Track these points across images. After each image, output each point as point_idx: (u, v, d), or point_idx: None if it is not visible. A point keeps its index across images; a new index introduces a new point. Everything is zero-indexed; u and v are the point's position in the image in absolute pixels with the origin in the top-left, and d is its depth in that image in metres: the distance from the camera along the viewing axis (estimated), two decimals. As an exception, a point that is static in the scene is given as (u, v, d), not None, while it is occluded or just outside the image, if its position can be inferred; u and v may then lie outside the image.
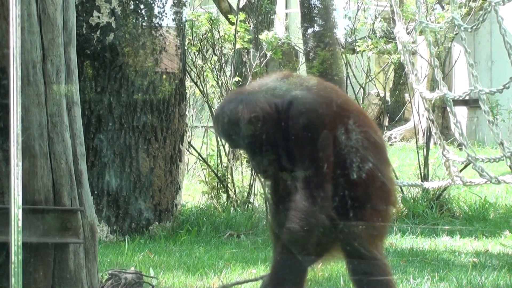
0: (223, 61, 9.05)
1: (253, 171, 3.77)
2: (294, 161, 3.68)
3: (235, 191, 8.16)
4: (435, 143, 7.48)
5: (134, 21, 6.93)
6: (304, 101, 3.67)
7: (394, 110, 15.85)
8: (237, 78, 9.15)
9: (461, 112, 14.57)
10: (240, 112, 3.64)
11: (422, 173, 8.54)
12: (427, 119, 6.89)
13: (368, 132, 3.78)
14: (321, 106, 3.69)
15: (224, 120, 3.69)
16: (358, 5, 9.73)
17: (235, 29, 8.55)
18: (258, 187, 8.24)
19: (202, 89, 8.79)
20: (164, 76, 7.08)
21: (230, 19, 8.98)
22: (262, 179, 3.95)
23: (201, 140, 10.47)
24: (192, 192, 9.05)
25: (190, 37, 8.61)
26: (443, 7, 10.39)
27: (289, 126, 3.64)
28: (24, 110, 3.35)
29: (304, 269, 3.80)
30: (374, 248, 3.82)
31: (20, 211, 3.14)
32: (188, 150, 8.89)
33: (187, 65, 8.11)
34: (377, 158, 3.76)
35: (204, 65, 8.94)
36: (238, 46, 8.68)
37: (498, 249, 6.68)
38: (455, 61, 10.90)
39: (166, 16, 7.12)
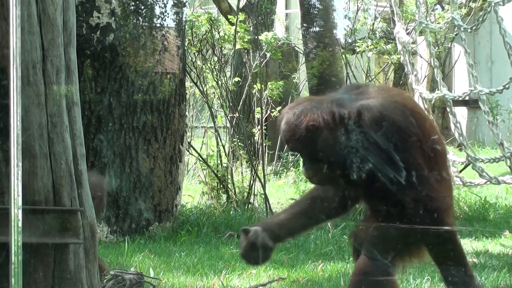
0: (223, 62, 9.05)
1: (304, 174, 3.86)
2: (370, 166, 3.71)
3: (235, 191, 8.16)
4: (435, 144, 7.46)
5: (134, 21, 6.93)
6: (379, 108, 3.71)
7: (394, 111, 15.80)
8: (237, 79, 9.15)
9: (461, 113, 14.56)
10: (300, 119, 3.75)
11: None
12: (427, 119, 6.87)
13: (436, 140, 3.83)
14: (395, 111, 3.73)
15: (285, 124, 3.81)
16: (358, 6, 9.74)
17: (235, 30, 8.55)
18: (258, 187, 8.25)
19: (202, 89, 8.80)
20: (164, 77, 7.08)
21: (230, 20, 8.98)
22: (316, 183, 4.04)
23: (201, 140, 10.47)
24: (192, 192, 9.05)
25: (190, 38, 8.62)
26: (443, 8, 10.39)
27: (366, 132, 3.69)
28: (24, 111, 3.35)
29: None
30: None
31: (20, 211, 3.14)
32: (188, 151, 8.89)
33: (187, 66, 8.11)
34: (441, 167, 3.82)
35: (204, 66, 8.95)
36: (238, 46, 8.68)
37: (498, 249, 6.67)
38: (455, 62, 10.92)
39: (166, 17, 7.12)
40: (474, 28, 5.73)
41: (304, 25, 8.62)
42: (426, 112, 4.05)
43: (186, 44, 8.00)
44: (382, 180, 3.70)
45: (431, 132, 3.86)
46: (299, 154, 3.95)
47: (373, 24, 9.67)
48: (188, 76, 8.57)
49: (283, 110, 3.96)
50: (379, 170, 3.70)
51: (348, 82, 9.38)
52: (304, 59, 9.78)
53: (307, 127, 3.73)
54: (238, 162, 8.71)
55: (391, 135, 3.67)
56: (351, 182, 3.86)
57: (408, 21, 8.54)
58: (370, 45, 9.11)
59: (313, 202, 4.06)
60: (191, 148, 8.98)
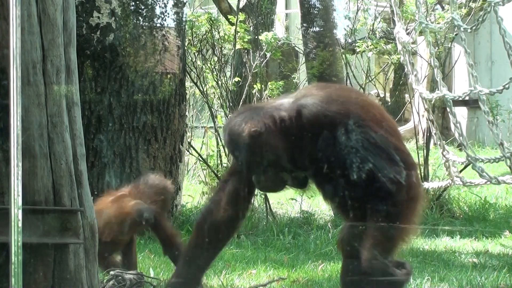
0: (223, 62, 9.05)
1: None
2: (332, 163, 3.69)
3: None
4: (435, 144, 7.48)
5: (134, 21, 6.93)
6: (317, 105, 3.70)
7: (394, 111, 15.82)
8: (237, 79, 9.15)
9: (461, 113, 14.57)
10: (242, 127, 3.71)
11: (422, 174, 8.54)
12: (427, 119, 6.89)
13: (386, 123, 3.80)
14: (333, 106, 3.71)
15: (228, 135, 3.81)
16: (358, 6, 9.73)
17: (235, 30, 8.55)
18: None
19: (202, 89, 8.80)
20: (164, 77, 7.08)
21: (230, 20, 8.98)
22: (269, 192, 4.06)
23: (201, 140, 10.47)
24: (192, 192, 9.05)
25: (190, 38, 8.61)
26: (443, 8, 10.39)
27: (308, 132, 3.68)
28: (24, 111, 3.35)
29: None
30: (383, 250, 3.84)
31: (20, 211, 3.14)
32: (188, 151, 8.89)
33: (187, 66, 8.11)
34: (397, 150, 3.78)
35: (204, 66, 8.94)
36: (238, 46, 8.68)
37: (498, 249, 6.68)
38: (455, 62, 10.90)
39: (166, 17, 7.12)
40: (474, 28, 5.72)
41: (304, 25, 8.62)
42: (373, 100, 4.02)
43: (186, 44, 8.00)
44: (336, 175, 3.68)
45: (380, 117, 3.82)
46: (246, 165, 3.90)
47: (373, 24, 9.66)
48: (188, 76, 8.57)
49: (225, 122, 3.97)
50: (330, 165, 3.68)
51: (348, 82, 9.38)
52: (304, 59, 9.78)
53: (249, 134, 3.71)
54: (238, 162, 8.69)
55: (334, 127, 3.65)
56: (302, 181, 3.85)
57: (408, 21, 8.54)
58: (370, 45, 9.10)
59: (202, 238, 4.08)
60: (191, 148, 8.97)
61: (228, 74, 9.08)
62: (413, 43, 6.66)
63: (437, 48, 8.48)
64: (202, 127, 10.98)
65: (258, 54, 8.84)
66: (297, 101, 3.75)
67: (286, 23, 15.52)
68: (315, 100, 3.71)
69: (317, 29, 8.60)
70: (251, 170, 3.83)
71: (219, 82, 8.79)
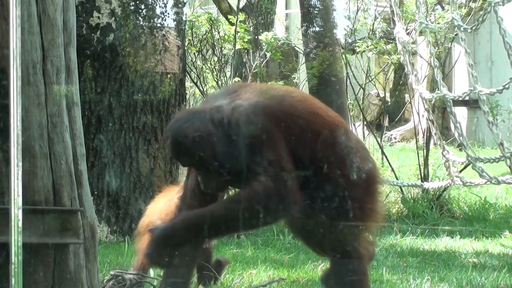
0: (223, 62, 9.06)
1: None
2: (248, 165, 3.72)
3: (234, 191, 8.15)
4: (435, 144, 7.49)
5: (134, 21, 6.93)
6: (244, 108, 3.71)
7: (394, 111, 15.85)
8: (236, 79, 9.16)
9: (461, 113, 14.58)
10: (184, 133, 3.72)
11: (422, 174, 8.54)
12: (427, 119, 6.89)
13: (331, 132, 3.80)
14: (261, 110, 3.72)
15: (170, 141, 3.81)
16: (358, 6, 9.74)
17: (235, 30, 8.55)
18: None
19: (202, 89, 8.80)
20: (164, 77, 7.08)
21: (230, 20, 8.98)
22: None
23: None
24: (192, 192, 9.03)
25: (190, 38, 8.62)
26: (443, 8, 10.40)
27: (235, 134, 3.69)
28: (24, 111, 3.35)
29: None
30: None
31: (20, 211, 3.13)
32: (188, 151, 8.88)
33: (187, 66, 8.11)
34: (337, 157, 3.78)
35: (204, 66, 8.95)
36: (238, 46, 8.69)
37: (498, 249, 6.68)
38: (455, 62, 10.91)
39: (166, 17, 7.12)
40: (474, 28, 5.73)
41: (304, 25, 8.63)
42: (314, 99, 4.01)
43: (186, 44, 8.01)
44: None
45: (322, 114, 3.84)
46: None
47: (373, 24, 9.68)
48: (188, 76, 8.57)
49: (166, 128, 3.96)
50: (266, 166, 3.69)
51: (348, 82, 9.38)
52: (304, 59, 9.78)
53: (192, 139, 3.70)
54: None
55: (269, 129, 3.67)
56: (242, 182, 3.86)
57: (408, 21, 8.55)
58: (370, 45, 9.12)
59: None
60: (191, 148, 8.96)
61: (228, 74, 9.09)
62: (413, 43, 6.67)
63: (437, 48, 8.48)
64: (202, 127, 10.96)
65: (258, 54, 8.85)
66: (231, 103, 3.75)
67: (286, 23, 15.53)
68: (247, 104, 3.71)
69: (317, 29, 8.61)
70: (199, 175, 3.85)
71: (219, 82, 8.80)
